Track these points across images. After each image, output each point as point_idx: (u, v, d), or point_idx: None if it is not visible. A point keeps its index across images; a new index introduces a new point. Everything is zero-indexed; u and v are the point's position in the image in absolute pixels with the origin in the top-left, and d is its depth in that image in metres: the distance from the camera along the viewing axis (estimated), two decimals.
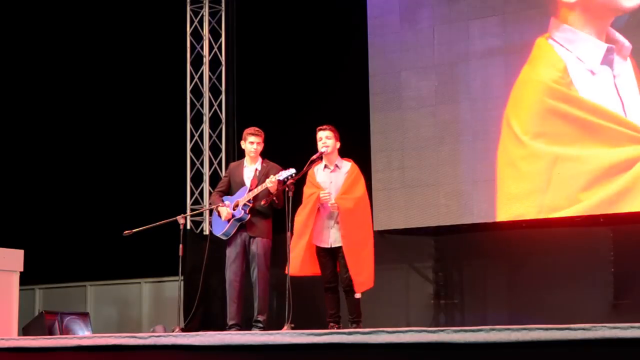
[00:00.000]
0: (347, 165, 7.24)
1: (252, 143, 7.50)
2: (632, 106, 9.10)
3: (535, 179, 9.51)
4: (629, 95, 9.13)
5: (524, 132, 9.64)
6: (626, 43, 9.16)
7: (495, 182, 9.78)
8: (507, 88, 9.81)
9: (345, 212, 6.99)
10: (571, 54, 9.48)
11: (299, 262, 7.10)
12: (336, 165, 7.21)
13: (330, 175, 7.18)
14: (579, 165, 9.27)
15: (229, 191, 7.58)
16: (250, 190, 7.37)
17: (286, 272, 6.96)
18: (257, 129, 7.56)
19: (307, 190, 7.22)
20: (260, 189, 7.29)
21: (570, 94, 9.39)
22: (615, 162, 9.08)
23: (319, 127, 7.19)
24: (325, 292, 7.15)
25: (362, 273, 6.97)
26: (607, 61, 9.27)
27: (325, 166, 7.23)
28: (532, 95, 9.64)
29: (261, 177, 7.37)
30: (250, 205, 7.35)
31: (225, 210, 7.38)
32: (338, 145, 7.21)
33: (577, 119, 9.32)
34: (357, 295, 6.96)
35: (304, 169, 7.14)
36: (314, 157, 7.13)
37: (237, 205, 7.36)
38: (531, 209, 9.51)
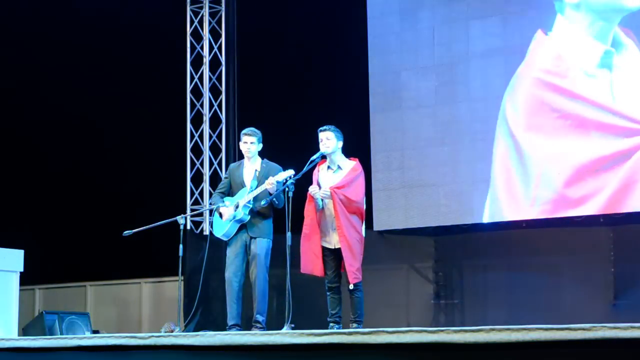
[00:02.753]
0: (349, 165, 7.21)
1: (245, 143, 7.50)
2: (627, 110, 9.13)
3: (526, 173, 9.58)
4: (626, 100, 9.14)
5: (517, 125, 9.71)
6: (634, 45, 9.15)
7: (494, 180, 9.81)
8: (507, 88, 9.85)
9: (338, 204, 6.94)
10: (569, 52, 9.51)
11: (320, 263, 7.08)
12: (338, 166, 7.19)
13: (333, 176, 7.17)
14: (568, 159, 9.33)
15: (230, 192, 7.58)
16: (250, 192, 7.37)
17: (297, 270, 6.99)
18: (252, 129, 7.54)
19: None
20: (259, 190, 7.29)
21: (564, 88, 9.45)
22: (604, 154, 9.16)
23: (320, 128, 7.16)
24: (327, 292, 7.14)
25: (355, 264, 6.96)
26: (605, 64, 9.28)
27: (329, 167, 7.22)
28: (527, 88, 9.70)
29: (261, 178, 7.36)
30: (250, 206, 7.35)
31: (227, 211, 7.38)
32: (340, 145, 7.17)
33: (569, 113, 9.38)
34: (351, 286, 6.94)
35: (304, 169, 7.12)
36: (314, 157, 7.11)
37: (237, 207, 7.36)
38: (523, 203, 9.57)
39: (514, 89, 9.77)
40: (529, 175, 9.57)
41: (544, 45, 9.64)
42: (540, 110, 9.57)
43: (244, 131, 7.58)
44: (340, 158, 7.20)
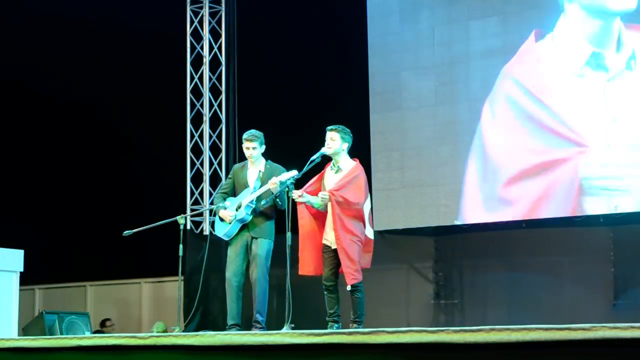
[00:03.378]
0: (350, 165, 7.19)
1: (247, 148, 7.48)
2: (621, 109, 9.13)
3: (485, 171, 9.71)
4: (621, 99, 9.15)
5: (487, 124, 9.83)
6: (635, 45, 9.16)
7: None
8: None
9: (335, 206, 6.93)
10: (554, 53, 9.55)
11: (319, 263, 7.10)
12: (339, 167, 7.17)
13: (335, 177, 7.15)
14: (516, 160, 9.49)
15: (233, 193, 7.56)
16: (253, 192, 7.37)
17: (300, 272, 7.00)
18: (252, 133, 7.48)
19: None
20: (262, 190, 7.28)
21: (530, 91, 9.55)
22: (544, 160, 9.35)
23: (328, 127, 7.12)
24: (324, 291, 7.12)
25: (353, 265, 6.94)
26: (597, 65, 9.29)
27: (331, 167, 7.21)
28: (503, 87, 9.79)
29: (265, 179, 7.35)
30: (253, 206, 7.34)
31: (227, 214, 7.36)
32: (345, 146, 7.12)
33: (531, 116, 9.53)
34: (348, 287, 6.92)
35: (304, 168, 7.11)
36: (314, 156, 7.09)
37: (240, 207, 7.34)
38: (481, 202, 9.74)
39: (495, 88, 9.85)
40: (487, 173, 9.75)
41: (530, 46, 9.68)
42: (509, 110, 9.73)
43: (245, 136, 7.52)
44: (343, 159, 7.15)
